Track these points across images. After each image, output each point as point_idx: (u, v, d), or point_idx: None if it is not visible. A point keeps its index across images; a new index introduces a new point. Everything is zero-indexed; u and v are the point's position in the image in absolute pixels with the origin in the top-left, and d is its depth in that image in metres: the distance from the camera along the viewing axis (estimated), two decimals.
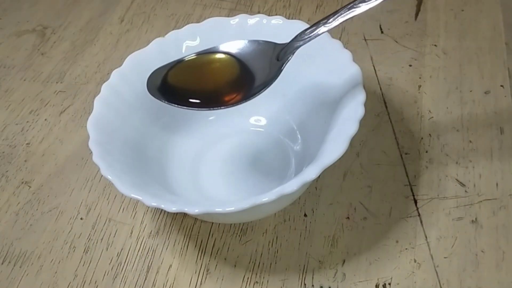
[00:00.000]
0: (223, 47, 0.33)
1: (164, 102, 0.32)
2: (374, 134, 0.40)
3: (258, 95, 0.31)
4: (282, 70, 0.32)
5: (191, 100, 0.32)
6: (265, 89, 0.31)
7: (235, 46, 0.33)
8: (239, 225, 0.36)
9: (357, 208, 0.36)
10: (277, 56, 0.32)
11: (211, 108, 0.32)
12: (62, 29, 0.52)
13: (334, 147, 0.29)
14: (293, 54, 0.32)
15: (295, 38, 0.32)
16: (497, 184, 0.36)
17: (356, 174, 0.38)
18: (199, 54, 0.34)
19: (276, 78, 0.31)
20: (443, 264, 0.33)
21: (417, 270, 0.33)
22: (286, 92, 0.39)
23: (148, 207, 0.38)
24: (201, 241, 0.35)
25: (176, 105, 0.32)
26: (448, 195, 0.36)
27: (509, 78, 0.42)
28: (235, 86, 0.32)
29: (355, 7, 0.30)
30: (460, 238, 0.34)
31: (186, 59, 0.34)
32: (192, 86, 0.33)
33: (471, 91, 0.42)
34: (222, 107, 0.32)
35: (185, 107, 0.32)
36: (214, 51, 0.33)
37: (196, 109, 0.32)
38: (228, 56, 0.33)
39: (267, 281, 0.33)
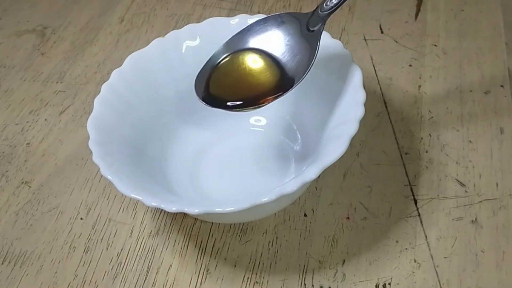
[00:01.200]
0: (252, 41, 0.33)
1: (216, 108, 0.32)
2: (374, 134, 0.40)
3: (307, 73, 0.31)
4: (320, 42, 0.31)
5: (238, 103, 0.32)
6: (312, 64, 0.31)
7: (262, 35, 0.33)
8: (239, 225, 0.36)
9: (357, 208, 0.36)
10: (306, 25, 0.32)
11: (261, 106, 0.32)
12: (62, 29, 0.52)
13: (334, 147, 0.29)
14: (324, 23, 0.31)
15: (321, 7, 0.32)
16: (497, 184, 0.36)
17: (356, 174, 0.38)
18: (232, 53, 0.33)
19: (316, 52, 0.31)
20: (443, 264, 0.33)
21: (417, 270, 0.33)
22: None
23: (148, 207, 0.38)
24: (201, 241, 0.35)
25: (228, 110, 0.32)
26: (448, 195, 0.36)
27: (509, 78, 0.42)
28: (281, 81, 0.32)
29: None
30: (460, 238, 0.34)
31: (222, 63, 0.33)
32: (237, 93, 0.33)
33: (471, 91, 0.42)
34: (276, 99, 0.32)
35: (234, 111, 0.32)
36: (245, 48, 0.33)
37: (246, 110, 0.32)
38: (262, 53, 0.33)
39: (267, 281, 0.33)
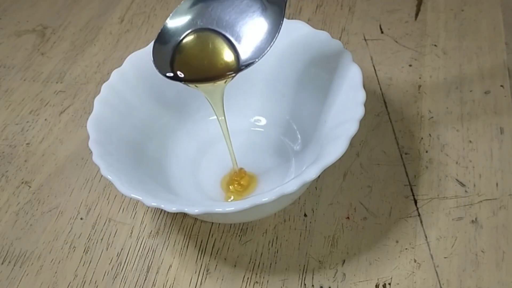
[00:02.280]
0: (214, 11, 0.32)
1: (185, 84, 0.31)
2: (374, 134, 0.40)
3: (272, 44, 0.30)
4: (285, 11, 0.31)
5: (207, 77, 0.31)
6: (278, 35, 0.30)
7: (223, 16, 0.32)
8: (239, 225, 0.36)
9: (357, 208, 0.36)
10: None
11: (233, 74, 0.31)
12: (62, 29, 0.52)
13: (334, 147, 0.29)
14: None
15: None
16: (497, 184, 0.36)
17: (356, 174, 0.38)
18: (195, 30, 0.32)
19: (281, 25, 0.30)
20: (443, 264, 0.33)
21: (417, 270, 0.33)
22: (286, 92, 0.39)
23: (148, 207, 0.38)
24: (201, 241, 0.35)
25: (194, 83, 0.31)
26: (448, 195, 0.36)
27: (509, 78, 0.42)
28: (245, 55, 0.31)
29: None
30: (460, 238, 0.34)
31: (185, 41, 0.32)
32: (205, 70, 0.32)
33: (471, 91, 0.42)
34: (245, 68, 0.31)
35: (204, 83, 0.31)
36: (206, 27, 0.32)
37: (215, 81, 0.31)
38: (226, 29, 0.32)
39: (267, 281, 0.33)
